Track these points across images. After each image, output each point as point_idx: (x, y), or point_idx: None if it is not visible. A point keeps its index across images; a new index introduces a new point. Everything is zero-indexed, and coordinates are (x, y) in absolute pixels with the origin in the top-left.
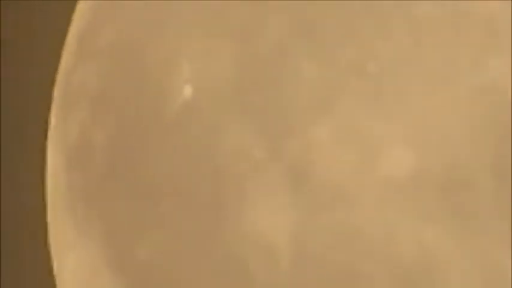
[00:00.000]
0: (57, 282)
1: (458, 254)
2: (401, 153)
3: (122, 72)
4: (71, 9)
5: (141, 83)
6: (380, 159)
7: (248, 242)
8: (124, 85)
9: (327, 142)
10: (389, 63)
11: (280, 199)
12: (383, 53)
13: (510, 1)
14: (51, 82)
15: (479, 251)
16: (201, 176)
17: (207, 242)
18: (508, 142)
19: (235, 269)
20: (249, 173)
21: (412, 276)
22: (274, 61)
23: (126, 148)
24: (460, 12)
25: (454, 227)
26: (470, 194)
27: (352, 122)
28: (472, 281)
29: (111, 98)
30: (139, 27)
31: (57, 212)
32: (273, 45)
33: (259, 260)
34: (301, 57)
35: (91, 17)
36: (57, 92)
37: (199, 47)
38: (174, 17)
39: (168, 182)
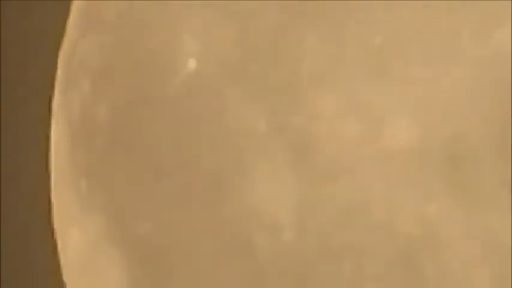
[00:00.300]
0: (60, 257)
1: (460, 228)
2: (404, 126)
3: (125, 47)
4: None
5: (144, 57)
6: (383, 132)
7: (250, 216)
8: (127, 59)
9: (329, 115)
10: (393, 36)
11: (282, 172)
12: (386, 25)
13: None
14: (54, 57)
15: (482, 225)
16: (204, 149)
17: (209, 215)
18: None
19: (238, 242)
20: (251, 147)
21: (415, 250)
22: (277, 35)
23: (129, 123)
24: None
25: (456, 200)
26: (474, 167)
27: (355, 95)
28: (474, 254)
29: (114, 73)
30: (143, 1)
31: (61, 188)
32: (276, 19)
33: (261, 233)
34: (304, 31)
35: None
36: (60, 68)
37: (202, 21)
38: None
39: (171, 157)
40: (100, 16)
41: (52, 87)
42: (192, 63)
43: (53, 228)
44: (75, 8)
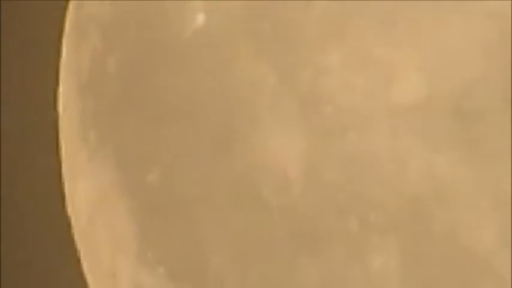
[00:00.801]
0: (68, 206)
1: (468, 181)
2: (413, 80)
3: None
4: None
5: (154, 10)
6: (391, 86)
7: (259, 168)
8: (136, 12)
9: (338, 69)
10: None
11: (291, 126)
12: None
13: None
14: (63, 10)
15: (489, 178)
16: (213, 102)
17: (218, 166)
18: None
19: (246, 193)
20: (260, 100)
21: (423, 202)
22: None
23: (138, 74)
24: None
25: (465, 153)
26: (482, 121)
27: (363, 48)
28: (481, 207)
29: (123, 26)
30: None
31: (69, 138)
32: None
33: (270, 185)
34: None
35: None
36: (68, 20)
37: None
38: None
39: (180, 109)
40: None
41: (60, 39)
42: (201, 17)
43: (61, 178)
44: None
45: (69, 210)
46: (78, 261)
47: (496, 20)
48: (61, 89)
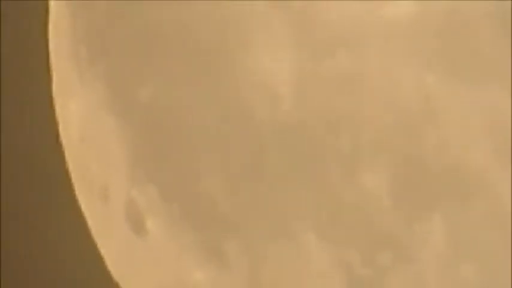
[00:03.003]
0: (60, 127)
1: (462, 100)
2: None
3: None
4: None
5: None
6: (382, 5)
7: (250, 86)
8: None
9: None
10: None
11: (282, 46)
12: None
13: None
14: None
15: (481, 97)
16: (205, 25)
17: (210, 85)
18: None
19: (238, 111)
20: (252, 21)
21: (415, 121)
22: None
23: None
24: None
25: (456, 73)
26: (473, 40)
27: None
28: (474, 125)
29: None
30: None
31: (60, 56)
32: None
33: (261, 103)
34: None
35: None
36: None
37: None
38: None
39: (172, 26)
40: None
41: None
42: None
43: (52, 97)
44: None
45: (61, 130)
46: (69, 183)
47: None
48: (51, 4)
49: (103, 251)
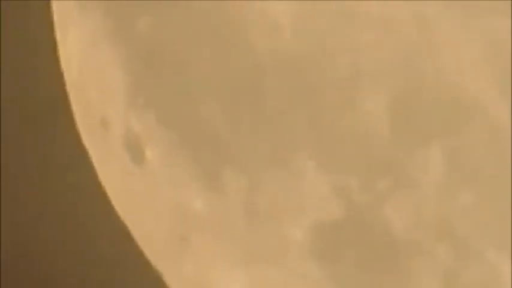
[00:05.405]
0: (60, 56)
1: (457, 26)
2: None
3: None
4: None
5: None
6: None
7: (249, 17)
8: None
9: None
10: None
11: None
12: None
13: None
14: None
15: (478, 24)
16: None
17: (209, 14)
18: None
19: (237, 40)
20: None
21: (413, 47)
22: None
23: None
24: None
25: (455, 2)
26: None
27: None
28: (470, 50)
29: None
30: None
31: None
32: None
33: (260, 31)
34: None
35: None
36: None
37: None
38: None
39: None
40: None
41: None
42: None
43: (52, 26)
44: None
45: (61, 59)
46: (69, 111)
47: None
48: None
49: (103, 180)
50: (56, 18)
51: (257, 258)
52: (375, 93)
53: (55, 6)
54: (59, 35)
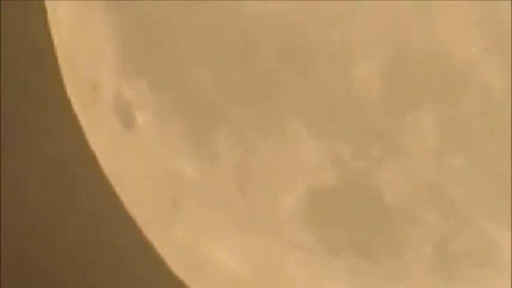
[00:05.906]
0: (51, 22)
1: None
2: None
3: None
4: None
5: None
6: None
7: None
8: None
9: None
10: None
11: None
12: None
13: None
14: None
15: None
16: None
17: None
18: None
19: (227, 3)
20: None
21: (404, 14)
22: None
23: None
24: None
25: None
26: None
27: None
28: (462, 16)
29: None
30: None
31: None
32: None
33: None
34: None
35: None
36: None
37: None
38: None
39: None
40: None
41: None
42: None
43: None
44: None
45: (51, 25)
46: (60, 78)
47: None
48: None
49: (94, 146)
50: None
51: (249, 225)
52: (367, 59)
53: None
54: (49, 8)
